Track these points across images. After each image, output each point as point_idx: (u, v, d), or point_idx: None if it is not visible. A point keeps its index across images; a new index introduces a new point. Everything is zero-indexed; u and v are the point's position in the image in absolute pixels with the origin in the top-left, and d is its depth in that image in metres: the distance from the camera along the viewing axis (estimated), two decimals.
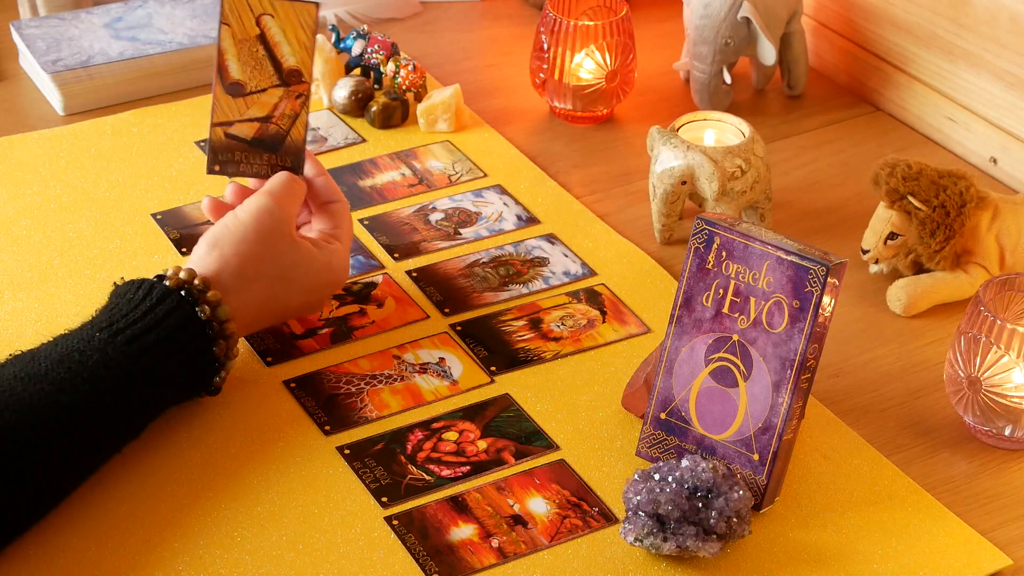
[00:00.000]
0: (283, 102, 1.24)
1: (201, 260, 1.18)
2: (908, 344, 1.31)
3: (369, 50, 1.59)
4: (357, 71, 1.62)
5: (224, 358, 1.17)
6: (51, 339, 1.12)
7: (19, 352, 1.11)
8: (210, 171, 1.26)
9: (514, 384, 1.25)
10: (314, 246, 1.23)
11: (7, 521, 1.06)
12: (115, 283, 1.17)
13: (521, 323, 1.31)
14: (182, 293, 1.15)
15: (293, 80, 1.24)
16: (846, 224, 1.45)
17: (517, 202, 1.47)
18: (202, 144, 1.54)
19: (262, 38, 1.22)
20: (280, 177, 1.23)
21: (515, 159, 1.54)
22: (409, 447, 1.18)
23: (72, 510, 1.11)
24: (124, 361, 1.11)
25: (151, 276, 1.17)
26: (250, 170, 1.26)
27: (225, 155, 1.26)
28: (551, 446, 1.19)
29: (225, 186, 1.28)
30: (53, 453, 1.07)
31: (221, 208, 1.24)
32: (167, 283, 1.15)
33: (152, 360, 1.12)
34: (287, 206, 1.21)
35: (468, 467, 1.17)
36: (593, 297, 1.35)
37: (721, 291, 1.13)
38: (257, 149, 1.25)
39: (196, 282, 1.15)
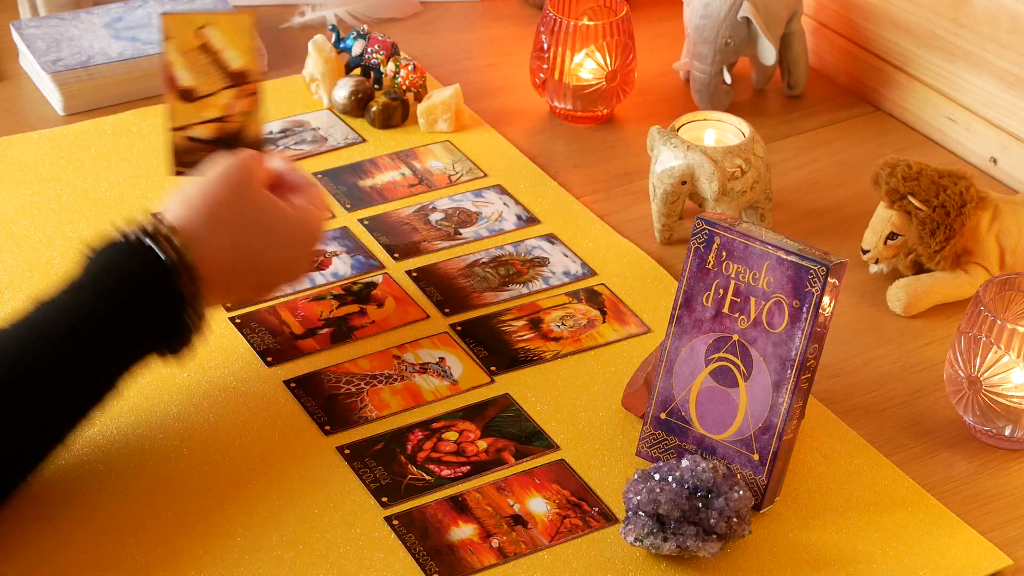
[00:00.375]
0: (236, 102, 1.26)
1: (168, 207, 1.17)
2: (908, 344, 1.31)
3: (369, 50, 1.59)
4: (357, 71, 1.62)
5: (192, 299, 1.14)
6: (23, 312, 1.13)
7: None
8: (175, 173, 1.27)
9: (514, 384, 1.25)
10: (287, 206, 1.22)
11: None
12: (86, 254, 1.15)
13: (521, 323, 1.31)
14: (147, 239, 1.13)
15: (241, 81, 1.26)
16: (846, 224, 1.45)
17: (517, 202, 1.47)
18: None
19: (205, 47, 1.25)
20: (243, 150, 1.24)
21: (515, 159, 1.54)
22: (409, 447, 1.18)
23: (72, 509, 1.11)
24: (89, 315, 1.10)
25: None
26: None
27: (188, 156, 1.27)
28: (551, 446, 1.19)
29: None
30: (27, 413, 1.07)
31: None
32: (131, 235, 1.13)
33: (117, 303, 1.11)
34: (252, 162, 1.21)
35: (468, 467, 1.17)
36: (593, 297, 1.35)
37: (721, 291, 1.13)
38: (219, 147, 1.26)
39: (161, 228, 1.14)
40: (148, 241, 1.13)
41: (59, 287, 1.12)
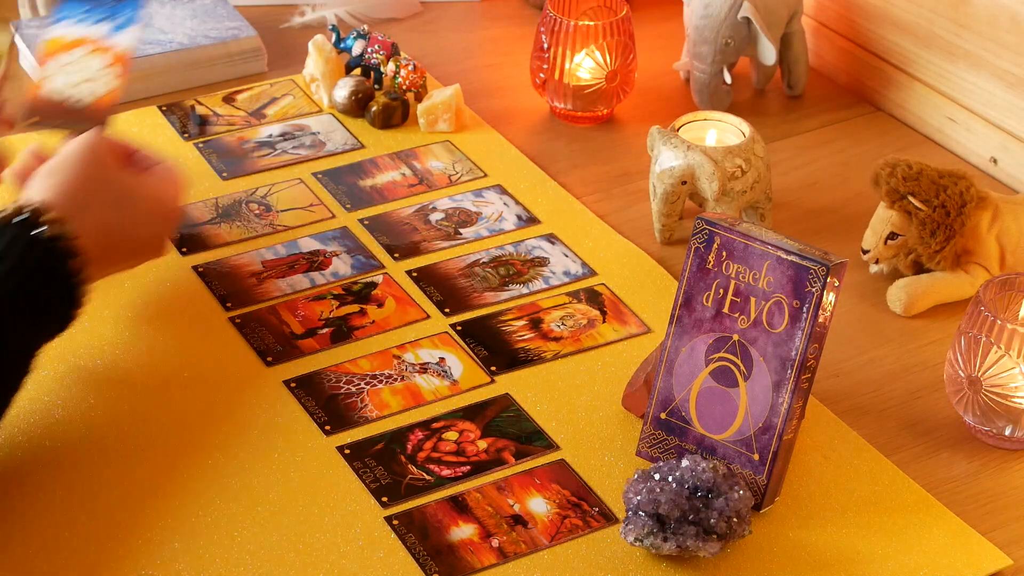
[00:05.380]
0: None
1: (37, 190, 1.18)
2: (908, 344, 1.31)
3: (369, 50, 1.59)
4: (357, 71, 1.62)
5: (80, 273, 1.15)
6: None
7: None
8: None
9: (514, 384, 1.25)
10: (143, 183, 1.24)
11: None
12: None
13: (521, 323, 1.31)
14: (20, 222, 1.13)
15: None
16: (846, 224, 1.45)
17: (517, 202, 1.47)
18: (200, 146, 1.54)
19: None
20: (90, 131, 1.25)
21: (515, 159, 1.54)
22: (409, 447, 1.18)
23: (71, 510, 1.11)
24: None
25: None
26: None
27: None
28: (551, 446, 1.19)
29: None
30: None
31: (27, 172, 1.23)
32: (10, 219, 1.14)
33: (8, 289, 1.11)
34: (103, 143, 1.23)
35: (468, 467, 1.17)
36: (593, 297, 1.35)
37: (721, 291, 1.13)
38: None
39: (33, 208, 1.14)
40: (27, 220, 1.13)
41: None
